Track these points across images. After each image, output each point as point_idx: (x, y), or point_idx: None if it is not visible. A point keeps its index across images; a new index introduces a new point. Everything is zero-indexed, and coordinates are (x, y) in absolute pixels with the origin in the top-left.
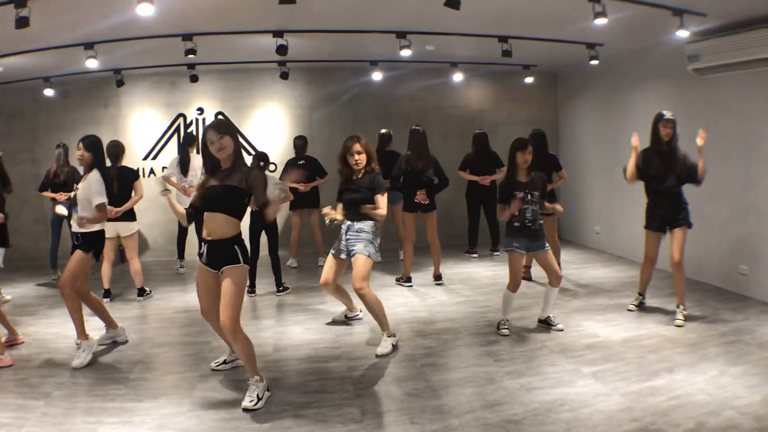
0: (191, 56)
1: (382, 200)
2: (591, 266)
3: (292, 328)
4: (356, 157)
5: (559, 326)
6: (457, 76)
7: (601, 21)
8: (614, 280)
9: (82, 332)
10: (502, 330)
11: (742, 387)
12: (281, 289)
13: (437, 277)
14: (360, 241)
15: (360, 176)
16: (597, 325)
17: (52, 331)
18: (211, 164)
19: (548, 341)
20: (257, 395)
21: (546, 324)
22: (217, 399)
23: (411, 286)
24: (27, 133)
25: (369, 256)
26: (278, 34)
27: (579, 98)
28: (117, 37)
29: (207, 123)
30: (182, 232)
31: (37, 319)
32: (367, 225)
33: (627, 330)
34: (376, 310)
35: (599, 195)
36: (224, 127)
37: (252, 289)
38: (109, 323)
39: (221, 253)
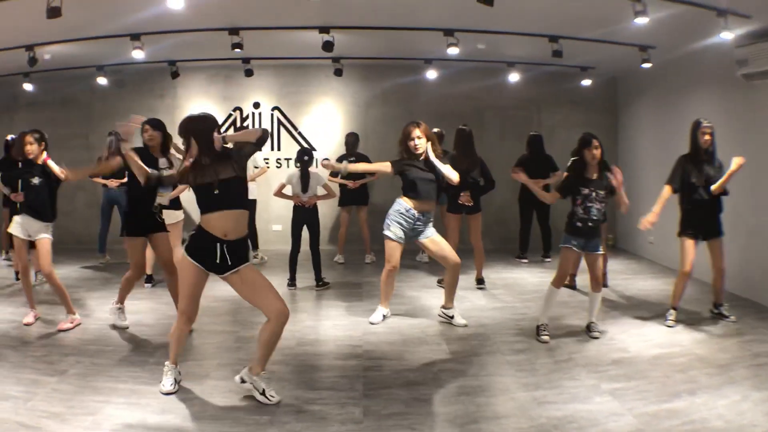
0: (238, 50)
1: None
2: (640, 277)
3: (322, 323)
4: (416, 140)
5: (595, 334)
6: (513, 76)
7: (642, 20)
8: (660, 294)
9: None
10: (542, 336)
11: (761, 414)
12: (320, 284)
13: (479, 281)
14: (431, 224)
15: (424, 159)
16: (630, 339)
17: (85, 312)
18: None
19: (576, 353)
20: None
21: (588, 330)
22: (227, 388)
23: None
24: (82, 119)
25: None
26: (324, 30)
27: (637, 102)
28: (162, 29)
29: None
30: None
31: (74, 300)
32: (433, 211)
33: (660, 346)
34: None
35: (654, 204)
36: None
37: (292, 282)
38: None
39: (239, 252)
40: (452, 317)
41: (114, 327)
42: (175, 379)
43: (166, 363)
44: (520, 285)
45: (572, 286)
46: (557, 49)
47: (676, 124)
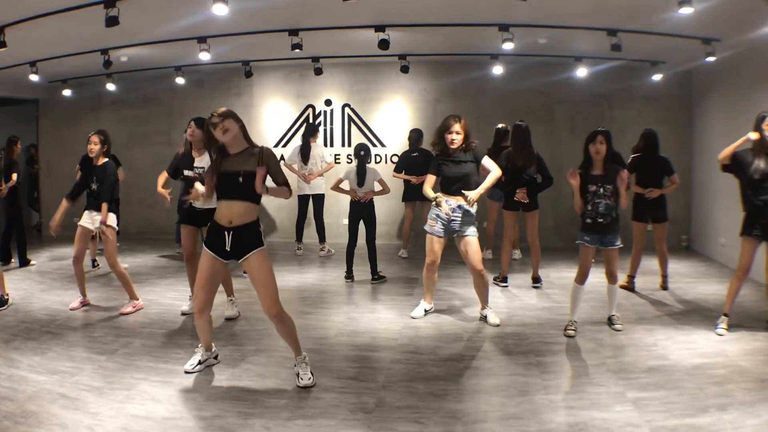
0: (297, 50)
1: (489, 162)
2: (704, 281)
3: (365, 316)
4: (453, 135)
5: (617, 326)
6: (581, 71)
7: (686, 10)
8: (721, 299)
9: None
10: (569, 331)
11: None
12: (376, 277)
13: (535, 280)
14: (470, 224)
15: (458, 152)
16: (673, 346)
17: (150, 298)
18: (218, 150)
19: (611, 358)
20: (311, 371)
21: (609, 324)
22: (256, 372)
23: (506, 286)
24: (163, 117)
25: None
26: (379, 28)
27: (711, 97)
28: (227, 31)
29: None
30: (301, 216)
31: (142, 286)
32: (474, 208)
33: (702, 356)
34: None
35: (727, 204)
36: (227, 111)
37: (349, 275)
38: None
39: (246, 239)
40: (486, 317)
41: (183, 314)
42: (200, 361)
43: (198, 345)
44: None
45: (630, 288)
46: (616, 43)
47: (749, 120)
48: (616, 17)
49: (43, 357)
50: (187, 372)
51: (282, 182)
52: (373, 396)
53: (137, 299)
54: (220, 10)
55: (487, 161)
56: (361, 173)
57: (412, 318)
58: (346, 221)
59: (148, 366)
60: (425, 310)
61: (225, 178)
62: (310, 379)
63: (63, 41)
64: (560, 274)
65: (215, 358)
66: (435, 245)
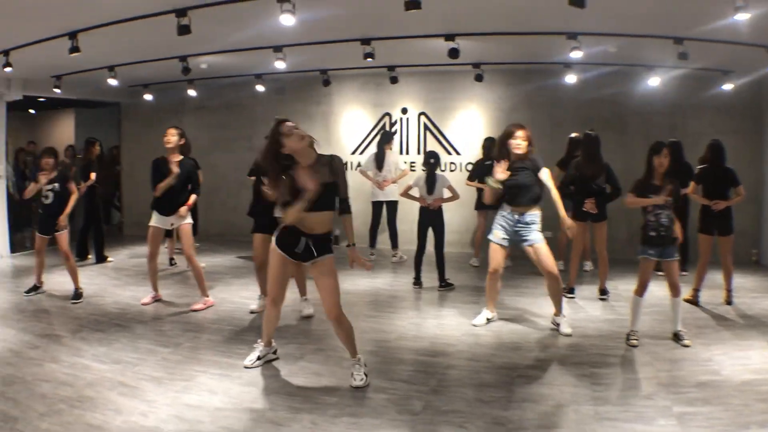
0: (370, 59)
1: (547, 175)
2: None
3: (428, 322)
4: (519, 141)
5: (685, 342)
6: (653, 80)
7: (742, 16)
8: None
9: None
10: (632, 340)
11: None
12: (443, 284)
13: (602, 292)
14: (535, 231)
15: (520, 160)
16: (728, 362)
17: (222, 296)
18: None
19: (663, 372)
20: (364, 373)
21: (677, 339)
22: (313, 370)
23: (573, 297)
24: (245, 123)
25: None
26: (449, 37)
27: None
28: (301, 41)
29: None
30: (375, 222)
31: (216, 284)
32: (537, 215)
33: (755, 372)
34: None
35: None
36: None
37: (417, 282)
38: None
39: (320, 245)
40: (559, 325)
41: (251, 312)
42: (259, 357)
43: (258, 341)
44: (644, 298)
45: (695, 302)
46: (683, 51)
47: None
48: (681, 25)
49: (109, 347)
50: (246, 367)
51: (343, 195)
52: (421, 399)
53: (208, 297)
54: (288, 21)
55: (544, 174)
56: (431, 180)
57: (474, 326)
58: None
59: (210, 359)
60: (487, 319)
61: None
62: (362, 380)
63: (139, 47)
64: (629, 287)
65: (274, 353)
66: (498, 254)
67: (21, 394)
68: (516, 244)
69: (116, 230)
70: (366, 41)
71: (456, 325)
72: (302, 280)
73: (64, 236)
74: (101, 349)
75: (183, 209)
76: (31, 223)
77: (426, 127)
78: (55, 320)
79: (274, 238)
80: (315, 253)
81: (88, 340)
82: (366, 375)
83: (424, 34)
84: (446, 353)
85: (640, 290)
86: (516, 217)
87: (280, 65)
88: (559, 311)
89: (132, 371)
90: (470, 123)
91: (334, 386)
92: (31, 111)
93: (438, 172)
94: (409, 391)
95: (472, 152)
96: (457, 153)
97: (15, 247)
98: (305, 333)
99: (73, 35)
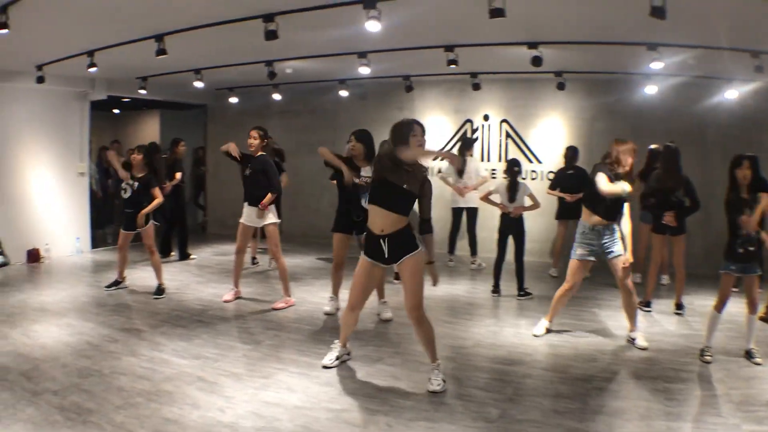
0: (453, 66)
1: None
2: None
3: (505, 330)
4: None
5: (757, 359)
6: (731, 93)
7: None
8: None
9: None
10: (705, 357)
11: None
12: (522, 293)
13: (678, 306)
14: (617, 242)
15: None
16: None
17: (303, 296)
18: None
19: (736, 389)
20: (442, 378)
21: (748, 357)
22: (391, 373)
23: (650, 311)
24: (328, 127)
25: None
26: (532, 45)
27: None
28: (385, 47)
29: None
30: (455, 229)
31: (297, 284)
32: (617, 227)
33: None
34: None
35: None
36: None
37: (496, 290)
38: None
39: (401, 243)
40: (634, 339)
41: (325, 314)
42: (337, 357)
43: (335, 341)
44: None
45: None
46: (758, 65)
47: None
48: (757, 38)
49: (189, 343)
50: (325, 366)
51: (426, 216)
52: (497, 407)
53: (290, 296)
54: (374, 27)
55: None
56: (513, 188)
57: (534, 336)
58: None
59: (290, 358)
60: (546, 329)
61: (387, 186)
62: (440, 385)
63: (226, 51)
64: (705, 302)
65: (348, 354)
66: (579, 271)
67: (97, 386)
68: (599, 257)
69: (199, 229)
70: (449, 48)
71: (532, 336)
72: (381, 284)
73: (149, 231)
74: (181, 344)
75: (260, 206)
76: (113, 220)
77: (507, 135)
78: (136, 315)
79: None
80: (386, 255)
81: (168, 335)
82: (444, 381)
83: (507, 42)
84: (523, 362)
85: (720, 306)
86: (600, 229)
87: (364, 71)
88: (633, 326)
89: (212, 367)
90: (551, 131)
91: (410, 390)
92: (115, 111)
93: (520, 180)
94: (486, 399)
95: (553, 161)
96: (539, 161)
97: (96, 242)
98: (382, 336)
99: (159, 38)
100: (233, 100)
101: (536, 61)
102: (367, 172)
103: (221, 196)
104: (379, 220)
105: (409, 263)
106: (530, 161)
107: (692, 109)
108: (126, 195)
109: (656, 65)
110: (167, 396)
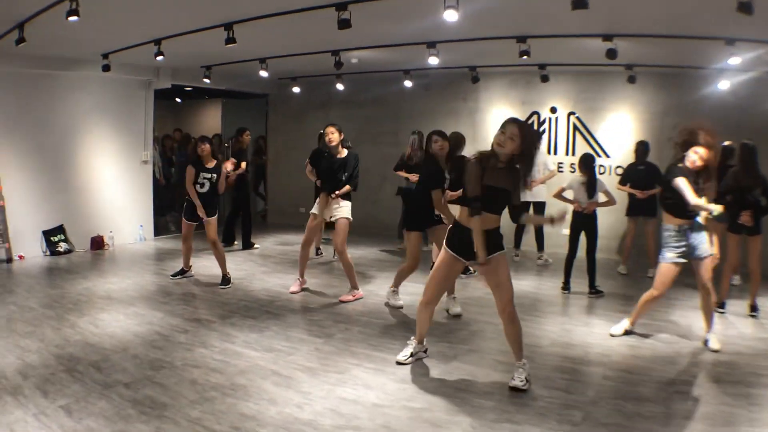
0: (525, 57)
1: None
2: None
3: (580, 329)
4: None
5: None
6: None
7: None
8: None
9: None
10: None
11: None
12: (593, 291)
13: (753, 308)
14: (704, 241)
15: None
16: None
17: (369, 288)
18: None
19: None
20: (526, 377)
21: None
22: (467, 372)
23: (723, 312)
24: (390, 118)
25: None
26: (607, 38)
27: None
28: (456, 37)
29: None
30: (520, 225)
31: (363, 277)
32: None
33: None
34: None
35: None
36: (520, 124)
37: (566, 287)
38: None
39: (494, 241)
40: (708, 341)
41: (387, 305)
42: (412, 353)
43: (411, 337)
44: None
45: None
46: None
47: None
48: None
49: (260, 335)
50: (399, 363)
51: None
52: (581, 410)
53: (358, 289)
54: (451, 17)
55: None
56: (592, 185)
57: (611, 335)
58: (565, 231)
59: (363, 353)
60: (626, 330)
61: (490, 192)
62: (522, 383)
63: (294, 40)
64: None
65: (425, 352)
66: (670, 274)
67: (170, 379)
68: (689, 257)
69: (260, 218)
70: (522, 39)
71: (608, 335)
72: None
73: (212, 224)
74: (252, 336)
75: (334, 195)
76: (174, 208)
77: (575, 128)
78: (203, 305)
79: (444, 241)
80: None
81: (238, 326)
82: (528, 380)
83: (582, 34)
84: (601, 363)
85: None
86: (686, 228)
87: (433, 61)
88: (709, 327)
89: (285, 360)
90: (620, 125)
91: (489, 390)
92: (177, 100)
93: (598, 176)
94: (567, 401)
95: (621, 155)
96: (607, 156)
97: (159, 230)
98: (455, 332)
99: (229, 26)
100: (296, 89)
101: (611, 53)
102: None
103: (281, 186)
104: (482, 219)
105: (498, 261)
106: (598, 155)
107: (764, 106)
108: (203, 190)
109: (734, 60)
110: (242, 390)
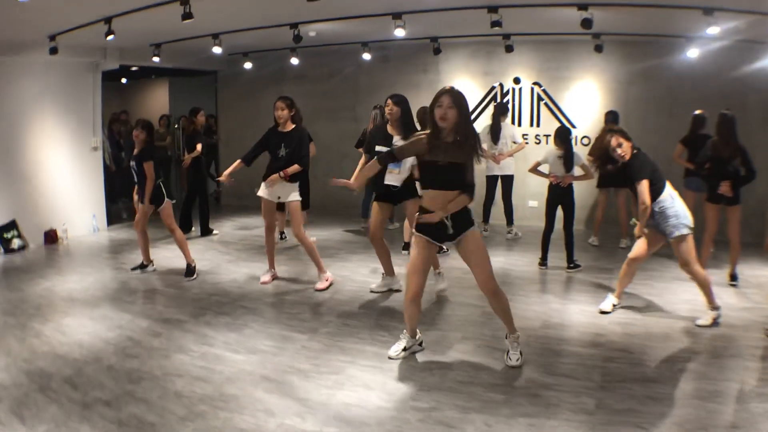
0: (497, 28)
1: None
2: None
3: (568, 307)
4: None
5: None
6: None
7: None
8: None
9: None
10: None
11: None
12: (572, 266)
13: (732, 277)
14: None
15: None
16: None
17: (343, 274)
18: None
19: None
20: (520, 352)
21: None
22: (467, 362)
23: None
24: (348, 92)
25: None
26: (582, 7)
27: None
28: (423, 7)
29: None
30: (489, 197)
31: (333, 261)
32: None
33: None
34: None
35: None
36: (458, 97)
37: (543, 262)
38: (388, 271)
39: (459, 220)
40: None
41: (390, 290)
42: (404, 348)
43: (404, 331)
44: None
45: None
46: None
47: None
48: None
49: (240, 334)
50: (391, 358)
51: (469, 182)
52: (591, 396)
53: (326, 272)
54: None
55: None
56: (569, 158)
57: (601, 312)
58: (532, 203)
59: (354, 348)
60: (613, 305)
61: (435, 167)
62: (518, 359)
63: (251, 13)
64: (753, 272)
65: (420, 344)
66: (641, 242)
67: (153, 393)
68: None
69: (214, 201)
70: (493, 8)
71: (598, 312)
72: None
73: (166, 210)
74: (232, 336)
75: (274, 176)
76: (125, 193)
77: (539, 98)
78: (173, 302)
79: (414, 227)
80: (452, 230)
81: (213, 325)
82: (521, 354)
83: (558, 3)
84: (599, 344)
85: None
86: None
87: (399, 33)
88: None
89: (272, 362)
90: (586, 95)
91: (495, 381)
92: (123, 80)
93: (574, 150)
94: (577, 388)
95: (588, 125)
96: (573, 126)
97: (111, 218)
98: (445, 319)
99: (186, 1)
100: (247, 65)
101: (586, 23)
102: (398, 141)
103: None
104: (441, 199)
105: (471, 238)
106: (564, 126)
107: (732, 74)
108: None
109: (712, 30)
110: (234, 401)
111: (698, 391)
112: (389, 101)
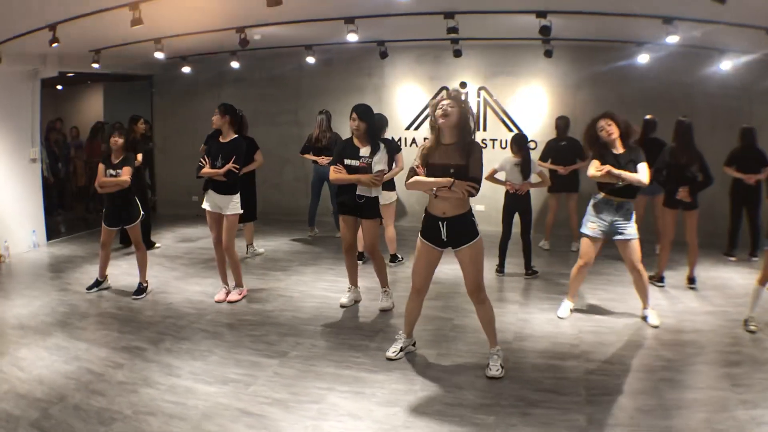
0: (454, 35)
1: (643, 168)
2: None
3: (536, 317)
4: (607, 129)
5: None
6: (725, 64)
7: None
8: None
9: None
10: (750, 326)
11: None
12: (530, 272)
13: (691, 280)
14: (631, 224)
15: (622, 152)
16: None
17: (300, 288)
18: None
19: None
20: (501, 364)
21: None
22: (450, 382)
23: (663, 286)
24: (290, 96)
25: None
26: (541, 14)
27: None
28: (378, 12)
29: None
30: None
31: (287, 274)
32: (632, 204)
33: None
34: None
35: None
36: (450, 93)
37: (501, 269)
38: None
39: (461, 228)
40: (646, 318)
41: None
42: (401, 348)
43: (400, 332)
44: (730, 287)
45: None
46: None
47: None
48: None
49: (205, 362)
50: (389, 359)
51: (473, 177)
52: (580, 412)
53: (243, 286)
54: None
55: (642, 166)
56: (526, 165)
57: (559, 318)
58: (479, 207)
59: (329, 373)
60: (570, 310)
61: (436, 170)
62: (498, 371)
63: (200, 17)
64: (708, 274)
65: (413, 345)
66: (591, 248)
67: None
68: (608, 236)
69: (150, 210)
70: (450, 15)
71: (566, 321)
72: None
73: (136, 228)
74: (197, 365)
75: (205, 171)
76: (62, 205)
77: (486, 103)
78: (127, 326)
79: (419, 232)
80: (445, 238)
81: (175, 352)
82: (502, 366)
83: (516, 10)
84: (574, 355)
85: (764, 280)
86: (614, 206)
87: (352, 38)
88: (646, 304)
89: (247, 393)
90: (533, 100)
91: (484, 402)
92: (59, 87)
93: (532, 157)
94: (564, 404)
95: (535, 130)
96: (519, 131)
97: (50, 233)
98: (416, 335)
99: (135, 5)
100: (186, 69)
101: (545, 30)
102: (366, 152)
103: (171, 174)
104: (440, 202)
105: (471, 251)
106: (510, 130)
107: (681, 79)
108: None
109: (672, 39)
110: None
111: (683, 402)
112: (354, 114)
